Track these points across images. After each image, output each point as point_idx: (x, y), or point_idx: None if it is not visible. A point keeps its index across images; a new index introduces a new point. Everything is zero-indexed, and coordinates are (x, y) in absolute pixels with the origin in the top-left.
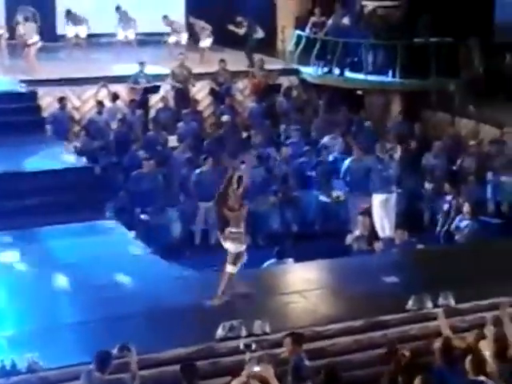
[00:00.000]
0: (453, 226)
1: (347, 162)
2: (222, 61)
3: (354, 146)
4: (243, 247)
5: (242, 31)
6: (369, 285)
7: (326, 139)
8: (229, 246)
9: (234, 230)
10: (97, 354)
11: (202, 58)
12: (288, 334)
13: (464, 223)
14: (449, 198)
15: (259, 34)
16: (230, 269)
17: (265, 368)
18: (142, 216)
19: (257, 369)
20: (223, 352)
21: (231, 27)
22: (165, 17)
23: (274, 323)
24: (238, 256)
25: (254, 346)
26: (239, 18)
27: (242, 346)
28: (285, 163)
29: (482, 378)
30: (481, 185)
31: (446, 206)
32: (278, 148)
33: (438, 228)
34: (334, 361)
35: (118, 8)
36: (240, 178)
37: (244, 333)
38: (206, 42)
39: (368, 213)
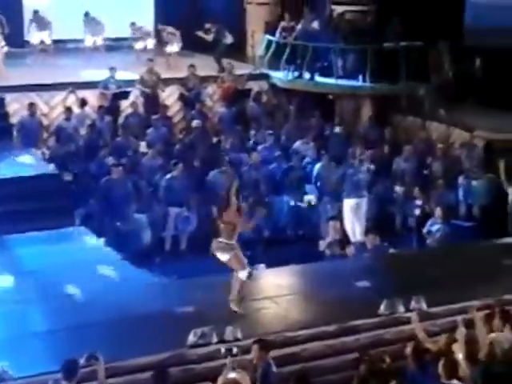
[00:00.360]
0: (424, 230)
1: (317, 167)
2: (192, 66)
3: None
4: (231, 254)
5: (210, 38)
6: (341, 290)
7: (297, 144)
8: (217, 254)
9: (221, 240)
10: (64, 362)
11: (168, 63)
12: (255, 340)
13: (436, 227)
14: (419, 202)
15: (228, 39)
16: (241, 275)
17: (241, 374)
18: (112, 223)
19: (232, 375)
20: (194, 359)
21: (199, 34)
22: (132, 23)
23: (246, 329)
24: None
25: (235, 350)
26: (207, 25)
27: (223, 350)
28: (255, 168)
29: (454, 381)
30: (451, 188)
31: (417, 211)
32: (249, 153)
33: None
34: (307, 366)
35: (86, 14)
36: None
37: (215, 339)
38: (174, 47)
39: (339, 217)
